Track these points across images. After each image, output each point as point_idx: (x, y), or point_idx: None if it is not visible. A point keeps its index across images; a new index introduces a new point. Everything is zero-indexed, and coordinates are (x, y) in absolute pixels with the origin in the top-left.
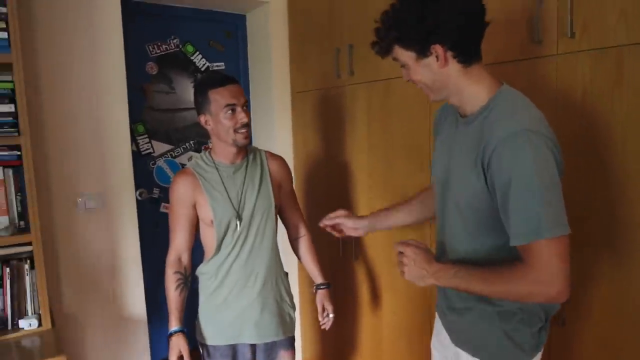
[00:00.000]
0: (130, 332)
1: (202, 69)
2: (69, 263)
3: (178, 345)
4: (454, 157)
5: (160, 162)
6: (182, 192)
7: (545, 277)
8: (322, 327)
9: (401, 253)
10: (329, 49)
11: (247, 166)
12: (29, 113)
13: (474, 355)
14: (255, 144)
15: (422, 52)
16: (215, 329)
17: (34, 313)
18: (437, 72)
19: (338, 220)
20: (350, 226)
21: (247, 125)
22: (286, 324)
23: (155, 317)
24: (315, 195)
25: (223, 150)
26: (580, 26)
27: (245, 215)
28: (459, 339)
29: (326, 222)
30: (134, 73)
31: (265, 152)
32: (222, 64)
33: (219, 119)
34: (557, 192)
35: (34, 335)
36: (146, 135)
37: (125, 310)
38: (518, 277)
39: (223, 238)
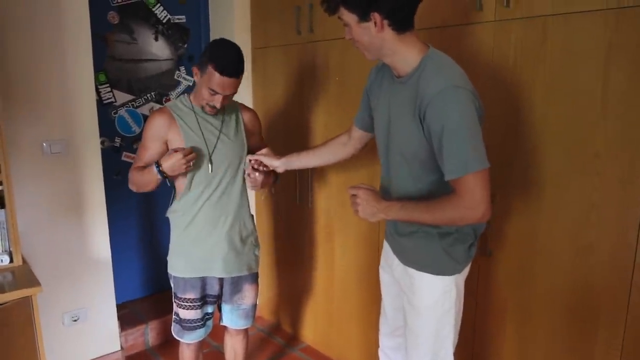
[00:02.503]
0: (95, 274)
1: (164, 21)
2: (34, 205)
3: (169, 156)
4: (393, 113)
5: (122, 112)
6: (156, 128)
7: (472, 203)
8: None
9: (354, 195)
10: (289, 6)
11: (223, 114)
12: None
13: (420, 270)
14: None
15: (363, 16)
16: (187, 263)
17: (5, 250)
18: (374, 35)
19: (262, 158)
20: (268, 163)
21: (216, 108)
22: (250, 262)
23: (118, 260)
24: (274, 147)
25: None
26: None
27: (218, 159)
28: (407, 259)
29: (251, 156)
30: (95, 22)
31: (240, 104)
32: (184, 17)
33: (202, 87)
34: (478, 135)
35: (7, 270)
36: (108, 85)
37: (91, 252)
38: (452, 204)
39: (194, 176)
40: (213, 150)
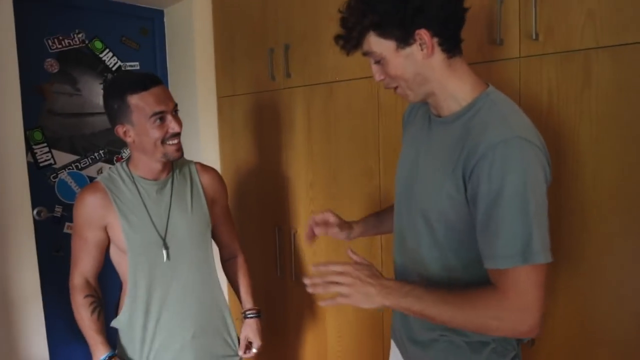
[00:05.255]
0: None
1: (113, 69)
2: None
3: None
4: (423, 162)
5: (63, 175)
6: (88, 212)
7: (519, 307)
8: None
9: (339, 274)
10: (261, 48)
11: (172, 182)
12: None
13: None
14: None
15: (405, 39)
16: None
17: None
18: (420, 63)
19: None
20: (335, 232)
21: (179, 134)
22: (227, 351)
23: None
24: (248, 211)
25: (145, 164)
26: (545, 27)
27: (175, 242)
28: None
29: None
30: (29, 71)
31: (196, 163)
32: (137, 63)
33: (144, 129)
34: (545, 212)
35: None
36: (45, 144)
37: (24, 354)
38: (488, 303)
39: (139, 272)
40: (165, 233)
